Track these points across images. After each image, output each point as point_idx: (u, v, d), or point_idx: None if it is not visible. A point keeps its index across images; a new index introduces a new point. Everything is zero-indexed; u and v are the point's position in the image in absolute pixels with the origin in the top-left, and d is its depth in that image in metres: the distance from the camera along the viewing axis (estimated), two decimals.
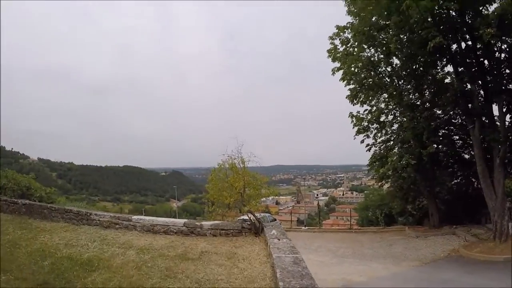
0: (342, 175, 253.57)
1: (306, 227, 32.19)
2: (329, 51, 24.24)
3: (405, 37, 19.73)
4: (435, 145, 22.43)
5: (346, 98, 24.85)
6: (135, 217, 11.58)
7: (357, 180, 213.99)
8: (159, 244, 9.53)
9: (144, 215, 55.79)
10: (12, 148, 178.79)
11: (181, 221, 11.16)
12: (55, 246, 9.64)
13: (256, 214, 11.06)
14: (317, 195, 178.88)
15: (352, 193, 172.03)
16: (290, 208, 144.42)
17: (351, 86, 24.49)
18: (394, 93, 22.66)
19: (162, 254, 8.52)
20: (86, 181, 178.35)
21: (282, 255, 6.53)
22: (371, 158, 25.47)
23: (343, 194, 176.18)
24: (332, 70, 24.33)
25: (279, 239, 8.31)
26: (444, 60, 20.56)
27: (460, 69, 19.33)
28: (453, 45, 18.97)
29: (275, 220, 28.94)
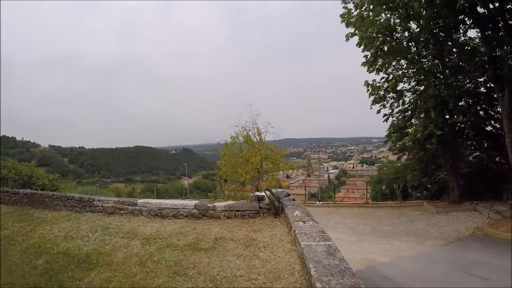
0: (352, 147, 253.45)
1: (321, 202, 31.30)
2: (342, 15, 22.96)
3: None
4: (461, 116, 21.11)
5: (361, 65, 23.54)
6: (140, 200, 10.53)
7: (367, 153, 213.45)
8: (167, 231, 8.50)
9: (156, 194, 56.33)
10: (22, 138, 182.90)
11: (192, 203, 10.08)
12: (53, 240, 8.80)
13: (274, 191, 9.95)
14: (327, 168, 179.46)
15: (362, 166, 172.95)
16: (301, 181, 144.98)
17: (367, 53, 23.19)
18: (415, 57, 21.27)
19: (171, 244, 7.49)
20: (98, 164, 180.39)
21: (312, 242, 5.44)
22: (389, 129, 24.24)
23: (353, 167, 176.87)
24: (346, 36, 23.02)
25: (304, 222, 7.23)
26: (468, 23, 19.44)
27: (487, 33, 18.03)
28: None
29: (289, 195, 28.20)
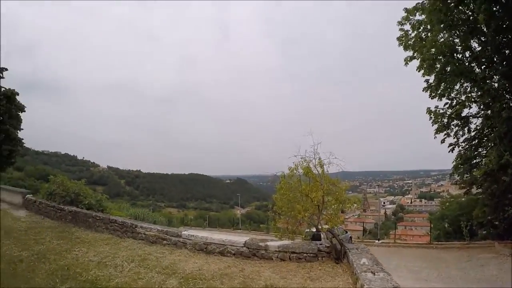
0: (410, 181, 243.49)
1: (380, 241, 29.00)
2: (399, 38, 21.52)
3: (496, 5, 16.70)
4: None
5: (423, 90, 21.65)
6: (185, 232, 9.51)
7: (425, 187, 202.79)
8: (211, 270, 7.37)
9: (207, 222, 55.55)
10: (83, 157, 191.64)
11: (241, 240, 8.92)
12: (85, 264, 8.02)
13: (335, 231, 8.59)
14: (384, 203, 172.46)
15: (421, 201, 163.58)
16: (356, 216, 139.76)
17: (427, 77, 21.32)
18: (480, 78, 18.99)
19: (212, 287, 6.33)
20: (153, 188, 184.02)
21: None
22: (456, 160, 21.77)
23: (411, 202, 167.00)
24: (404, 60, 21.50)
25: (373, 273, 5.89)
26: None
27: None
28: None
29: (347, 232, 26.52)
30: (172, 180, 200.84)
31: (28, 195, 18.14)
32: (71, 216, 13.40)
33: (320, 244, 8.55)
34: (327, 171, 8.87)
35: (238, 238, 9.16)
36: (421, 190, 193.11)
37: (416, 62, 21.22)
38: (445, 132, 21.46)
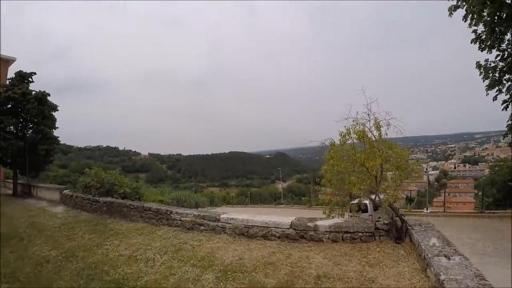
0: (453, 145, 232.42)
1: (429, 210, 27.64)
2: None
3: None
4: None
5: (471, 42, 19.38)
6: (224, 215, 8.58)
7: (469, 151, 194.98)
8: (253, 259, 6.45)
9: (249, 198, 55.29)
10: (124, 147, 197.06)
11: (287, 220, 7.94)
12: (114, 260, 7.40)
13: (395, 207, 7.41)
14: (427, 169, 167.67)
15: (465, 166, 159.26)
16: (398, 184, 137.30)
17: (475, 27, 18.87)
18: None
19: (255, 282, 5.41)
20: (194, 169, 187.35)
21: None
22: (510, 118, 19.85)
23: (455, 167, 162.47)
24: (448, 10, 19.09)
25: (448, 258, 4.78)
26: None
27: None
28: None
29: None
30: (212, 160, 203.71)
31: (65, 191, 17.94)
32: (106, 207, 12.94)
33: (377, 221, 7.48)
34: (386, 134, 7.48)
35: (283, 219, 8.09)
36: (465, 154, 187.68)
37: (461, 12, 18.79)
38: (497, 88, 19.34)
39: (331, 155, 8.11)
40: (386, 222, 7.21)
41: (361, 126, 7.61)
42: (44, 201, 19.67)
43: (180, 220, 9.30)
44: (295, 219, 7.99)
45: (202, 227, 8.72)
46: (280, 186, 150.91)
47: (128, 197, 13.78)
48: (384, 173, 7.57)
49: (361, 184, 7.19)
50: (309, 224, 7.52)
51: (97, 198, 13.63)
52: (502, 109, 19.63)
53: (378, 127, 7.42)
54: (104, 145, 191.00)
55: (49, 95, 24.49)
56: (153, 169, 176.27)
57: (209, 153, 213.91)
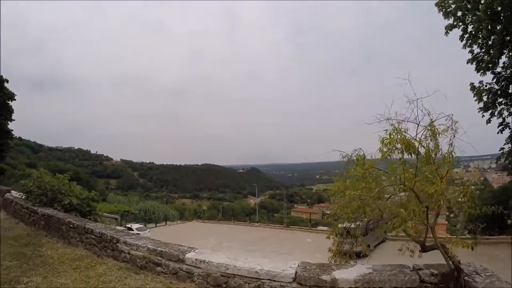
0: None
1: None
2: (438, 4, 19.31)
3: None
4: None
5: (467, 63, 19.62)
6: (191, 254, 5.72)
7: None
8: None
9: (221, 213, 52.81)
10: (96, 151, 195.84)
11: (288, 269, 4.99)
12: None
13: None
14: None
15: None
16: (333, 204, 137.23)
17: (470, 48, 19.50)
18: None
19: None
20: (166, 179, 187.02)
21: None
22: (506, 142, 19.46)
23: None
24: (445, 29, 19.42)
25: None
26: None
27: None
28: None
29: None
30: (185, 171, 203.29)
31: (7, 194, 14.99)
32: (44, 221, 10.07)
33: (419, 269, 4.86)
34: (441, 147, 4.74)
35: (281, 266, 5.23)
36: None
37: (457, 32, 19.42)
38: (490, 111, 19.40)
39: (357, 172, 5.46)
40: (434, 272, 4.61)
41: (401, 134, 4.96)
42: None
43: (129, 253, 6.48)
44: (299, 266, 5.22)
45: (159, 268, 5.88)
46: (253, 201, 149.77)
47: (75, 209, 11.01)
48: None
49: (414, 218, 4.58)
50: (323, 277, 4.74)
51: (35, 209, 10.73)
52: (498, 132, 19.71)
53: (434, 135, 4.76)
54: (76, 147, 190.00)
55: (7, 81, 21.51)
56: (124, 175, 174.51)
57: (182, 164, 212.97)
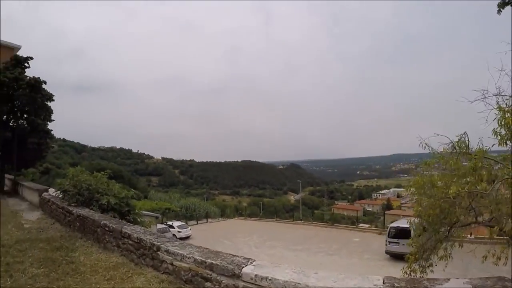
0: None
1: (473, 236, 23.51)
2: None
3: None
4: None
5: None
6: (249, 268, 4.44)
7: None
8: None
9: (261, 209, 51.96)
10: (138, 150, 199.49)
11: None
12: None
13: None
14: None
15: None
16: (414, 201, 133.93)
17: None
18: None
19: None
20: (206, 176, 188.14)
21: None
22: None
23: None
24: (497, 6, 16.10)
25: None
26: None
27: None
28: None
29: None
30: (225, 167, 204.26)
31: (44, 193, 14.39)
32: (79, 223, 9.24)
33: None
34: None
35: (361, 282, 4.00)
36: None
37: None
38: None
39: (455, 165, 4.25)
40: None
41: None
42: (26, 203, 16.68)
43: (172, 264, 5.39)
44: (385, 283, 3.87)
45: (208, 284, 4.72)
46: (293, 198, 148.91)
47: (113, 209, 10.14)
48: None
49: None
50: None
51: (71, 209, 9.93)
52: None
53: None
54: (118, 147, 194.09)
55: (44, 82, 21.35)
56: (165, 173, 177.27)
57: (222, 161, 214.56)
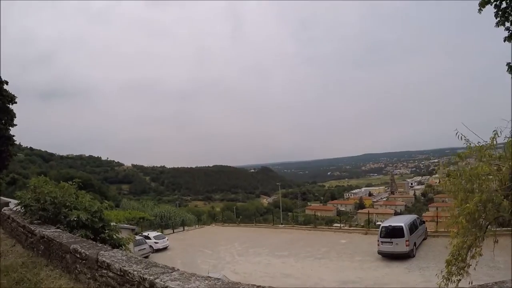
0: (435, 160, 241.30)
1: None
2: None
3: None
4: None
5: (504, 41, 15.53)
6: None
7: (453, 165, 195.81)
8: None
9: (235, 214, 50.40)
10: (107, 157, 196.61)
11: None
12: None
13: None
14: (412, 184, 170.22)
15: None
16: (385, 199, 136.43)
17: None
18: None
19: None
20: (178, 182, 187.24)
21: None
22: None
23: (439, 182, 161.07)
24: (479, 6, 15.42)
25: None
26: None
27: None
28: None
29: (424, 222, 25.08)
30: (196, 173, 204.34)
31: (5, 208, 12.43)
32: (43, 246, 7.39)
33: None
34: None
35: None
36: (449, 169, 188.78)
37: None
38: None
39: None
40: None
41: None
42: None
43: None
44: None
45: None
46: (266, 201, 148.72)
47: (84, 226, 8.40)
48: None
49: None
50: None
51: (33, 228, 8.03)
52: None
53: None
54: (87, 154, 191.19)
55: (6, 83, 19.28)
56: (136, 180, 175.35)
57: (194, 166, 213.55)
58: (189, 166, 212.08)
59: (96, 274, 5.22)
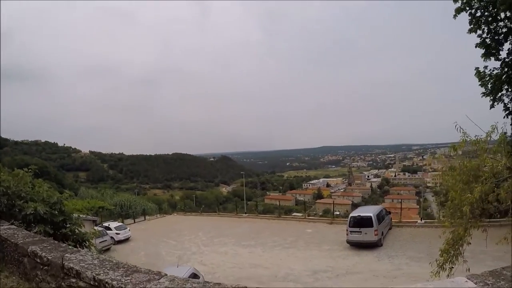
0: (392, 155, 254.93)
1: (423, 221, 25.46)
2: None
3: None
4: None
5: (476, 47, 18.19)
6: None
7: (408, 161, 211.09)
8: None
9: (194, 202, 49.39)
10: (64, 144, 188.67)
11: None
12: None
13: None
14: (368, 176, 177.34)
15: (404, 174, 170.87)
16: (342, 190, 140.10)
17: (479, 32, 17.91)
18: None
19: None
20: (137, 170, 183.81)
21: None
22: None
23: (395, 175, 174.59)
24: (455, 12, 17.69)
25: None
26: None
27: None
28: None
29: (389, 213, 25.56)
30: (156, 161, 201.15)
31: None
32: None
33: None
34: None
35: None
36: (404, 164, 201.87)
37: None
38: (492, 96, 18.48)
39: None
40: None
41: None
42: None
43: None
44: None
45: None
46: (225, 190, 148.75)
47: (43, 220, 7.40)
48: None
49: None
50: None
51: None
52: (504, 116, 18.70)
53: None
54: (43, 140, 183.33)
55: None
56: (93, 168, 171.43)
57: (152, 154, 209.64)
58: (148, 154, 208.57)
59: (63, 284, 4.28)
